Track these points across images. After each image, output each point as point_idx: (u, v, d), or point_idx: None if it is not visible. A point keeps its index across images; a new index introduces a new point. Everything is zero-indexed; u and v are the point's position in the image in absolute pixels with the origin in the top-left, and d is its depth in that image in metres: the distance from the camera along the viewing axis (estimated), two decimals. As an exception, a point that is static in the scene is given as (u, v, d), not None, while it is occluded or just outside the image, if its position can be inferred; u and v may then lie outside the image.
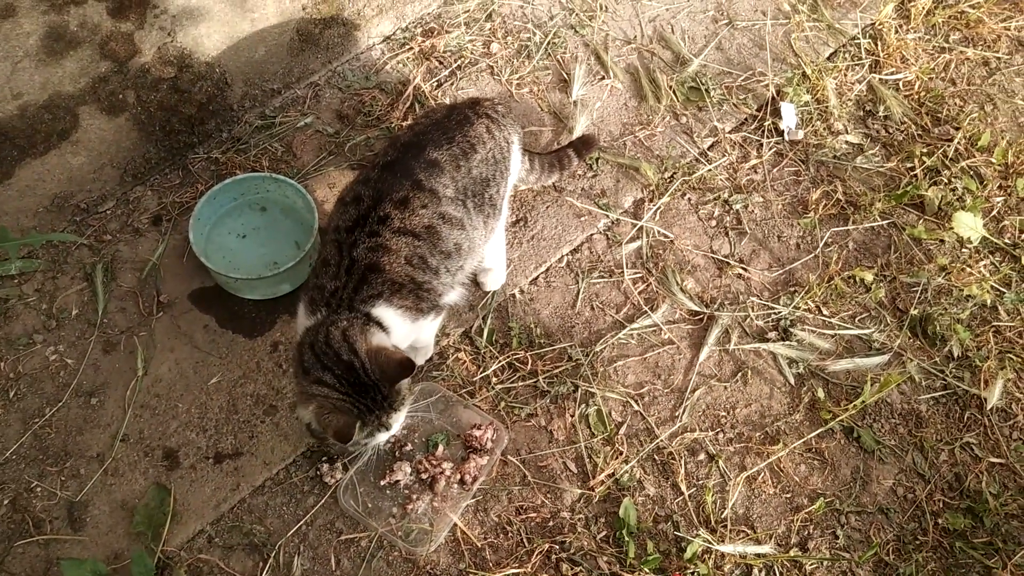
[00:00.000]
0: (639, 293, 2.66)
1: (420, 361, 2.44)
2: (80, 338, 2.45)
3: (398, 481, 2.29)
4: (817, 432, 2.44)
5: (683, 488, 2.34)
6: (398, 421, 2.00)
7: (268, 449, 2.32)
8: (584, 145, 2.78)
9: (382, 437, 2.02)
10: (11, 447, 2.28)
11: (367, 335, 1.92)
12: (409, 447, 2.35)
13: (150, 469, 2.27)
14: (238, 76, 2.74)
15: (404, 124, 2.85)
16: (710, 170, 2.90)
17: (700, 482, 2.37)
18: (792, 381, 2.54)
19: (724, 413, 2.49)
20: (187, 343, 2.46)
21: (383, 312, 1.99)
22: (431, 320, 2.16)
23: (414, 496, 2.27)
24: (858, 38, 3.28)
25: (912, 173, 2.95)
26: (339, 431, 1.84)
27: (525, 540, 2.25)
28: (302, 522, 2.23)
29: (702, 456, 2.42)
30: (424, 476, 2.30)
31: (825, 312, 2.65)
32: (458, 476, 2.30)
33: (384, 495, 2.28)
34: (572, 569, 2.20)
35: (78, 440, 2.30)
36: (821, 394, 2.50)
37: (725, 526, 2.30)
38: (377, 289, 1.98)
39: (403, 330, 2.05)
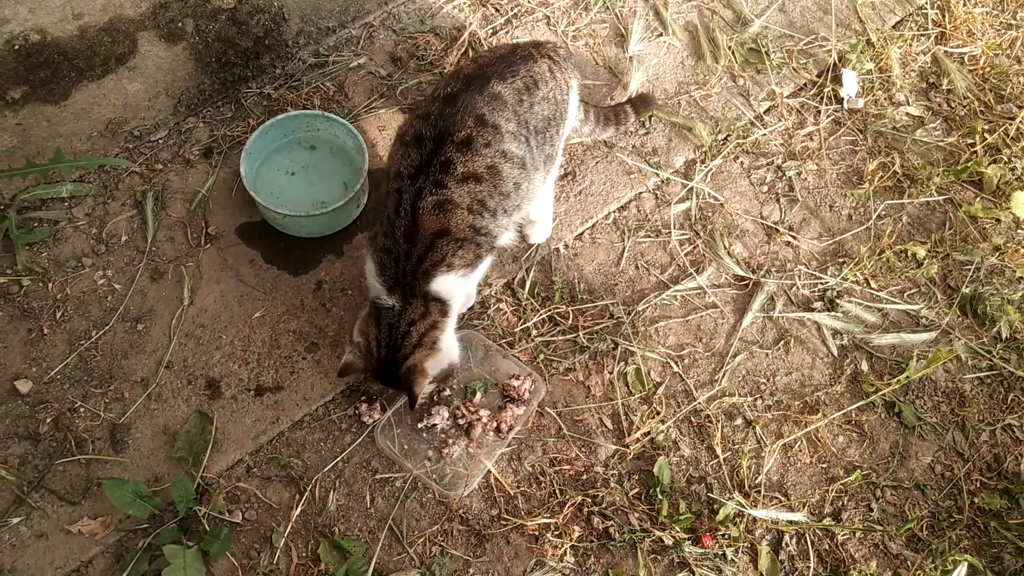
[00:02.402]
0: (685, 255, 2.63)
1: (462, 309, 2.44)
2: (128, 264, 2.47)
3: (435, 425, 2.30)
4: (858, 405, 2.42)
5: (718, 451, 2.34)
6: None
7: (308, 385, 2.34)
8: (642, 103, 2.75)
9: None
10: (56, 367, 2.31)
11: (424, 365, 2.11)
12: (447, 392, 2.36)
13: (192, 397, 2.30)
14: (295, 11, 2.71)
15: (457, 70, 2.83)
16: (765, 134, 2.85)
17: (736, 447, 2.36)
18: (835, 352, 2.51)
19: (764, 380, 2.47)
20: (233, 276, 2.48)
21: (442, 284, 2.06)
22: (485, 262, 2.18)
23: (450, 441, 2.29)
24: (925, 8, 3.19)
25: (972, 149, 2.88)
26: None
27: (558, 491, 2.26)
28: (339, 459, 2.25)
29: (739, 421, 2.40)
30: (461, 422, 2.32)
31: (873, 285, 2.61)
32: (494, 424, 2.31)
33: (420, 438, 2.30)
34: (603, 523, 2.21)
35: (123, 364, 2.33)
36: (864, 367, 2.47)
37: (759, 491, 2.29)
38: (441, 253, 2.02)
39: (460, 296, 2.15)
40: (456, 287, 2.10)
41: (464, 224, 2.03)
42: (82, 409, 2.27)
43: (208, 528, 2.12)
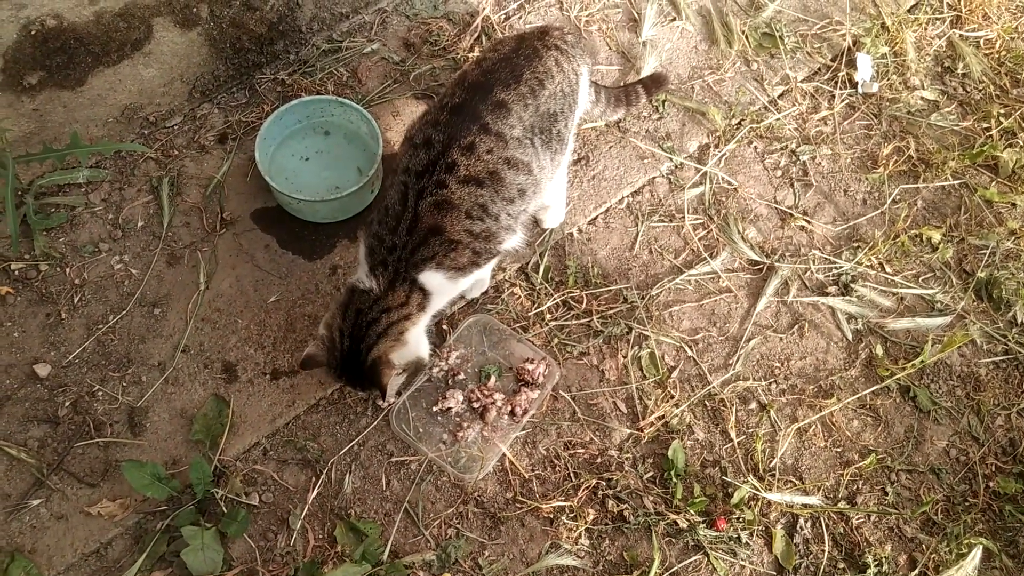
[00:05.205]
0: (699, 239, 2.63)
1: (476, 294, 2.45)
2: (145, 249, 2.49)
3: (450, 408, 2.31)
4: (872, 389, 2.42)
5: (733, 435, 2.34)
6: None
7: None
8: (654, 83, 2.74)
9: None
10: (74, 351, 2.33)
11: (390, 356, 2.06)
12: (462, 376, 2.37)
13: (209, 381, 2.32)
14: (309, -3, 2.72)
15: (471, 56, 2.82)
16: (779, 119, 2.84)
17: (750, 430, 2.36)
18: (850, 336, 2.51)
19: (778, 364, 2.47)
20: (248, 261, 2.49)
21: (429, 278, 2.04)
22: (480, 270, 2.17)
23: (465, 424, 2.30)
24: (941, -9, 3.18)
25: (988, 133, 2.87)
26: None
27: (572, 475, 2.27)
28: (354, 442, 2.27)
29: (753, 405, 2.41)
30: (475, 405, 2.32)
31: (888, 270, 2.61)
32: (509, 408, 2.32)
33: (435, 421, 2.31)
34: (618, 506, 2.22)
35: (140, 348, 2.35)
36: (879, 351, 2.47)
37: (773, 475, 2.30)
38: (433, 250, 2.00)
39: (444, 295, 2.13)
40: (442, 286, 2.08)
41: (460, 227, 2.01)
42: (100, 393, 2.29)
43: (225, 510, 2.14)
